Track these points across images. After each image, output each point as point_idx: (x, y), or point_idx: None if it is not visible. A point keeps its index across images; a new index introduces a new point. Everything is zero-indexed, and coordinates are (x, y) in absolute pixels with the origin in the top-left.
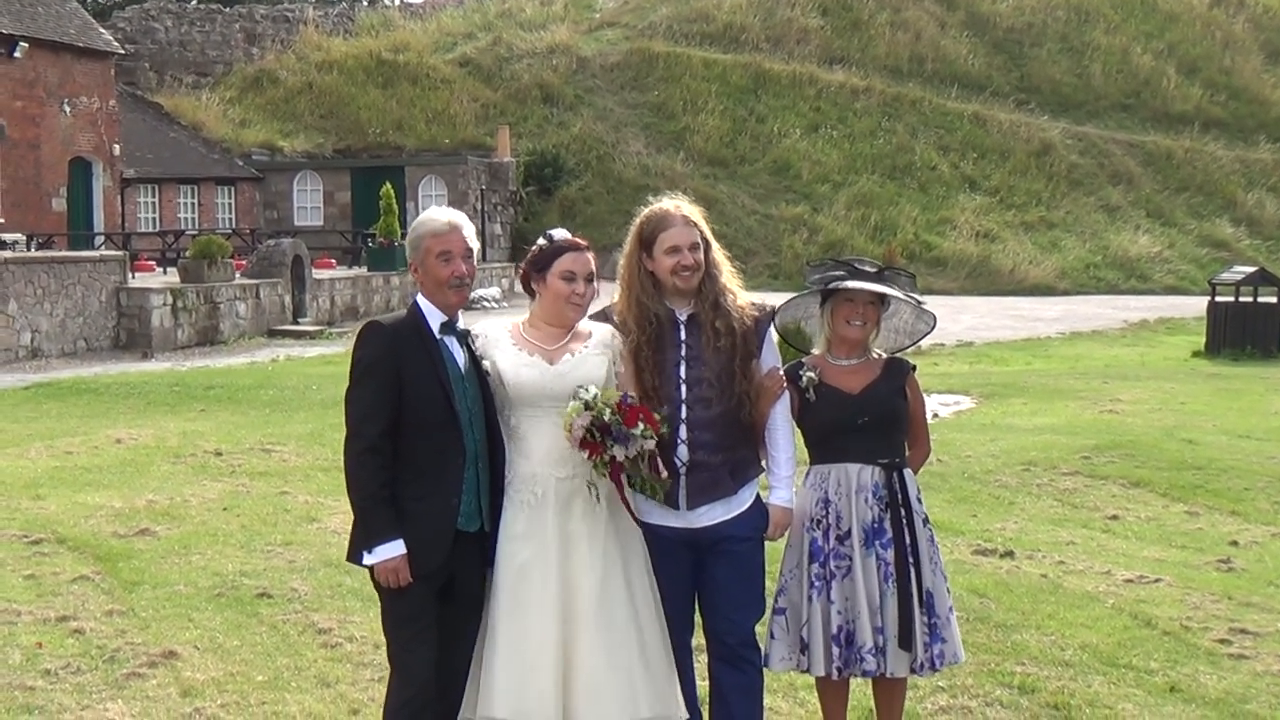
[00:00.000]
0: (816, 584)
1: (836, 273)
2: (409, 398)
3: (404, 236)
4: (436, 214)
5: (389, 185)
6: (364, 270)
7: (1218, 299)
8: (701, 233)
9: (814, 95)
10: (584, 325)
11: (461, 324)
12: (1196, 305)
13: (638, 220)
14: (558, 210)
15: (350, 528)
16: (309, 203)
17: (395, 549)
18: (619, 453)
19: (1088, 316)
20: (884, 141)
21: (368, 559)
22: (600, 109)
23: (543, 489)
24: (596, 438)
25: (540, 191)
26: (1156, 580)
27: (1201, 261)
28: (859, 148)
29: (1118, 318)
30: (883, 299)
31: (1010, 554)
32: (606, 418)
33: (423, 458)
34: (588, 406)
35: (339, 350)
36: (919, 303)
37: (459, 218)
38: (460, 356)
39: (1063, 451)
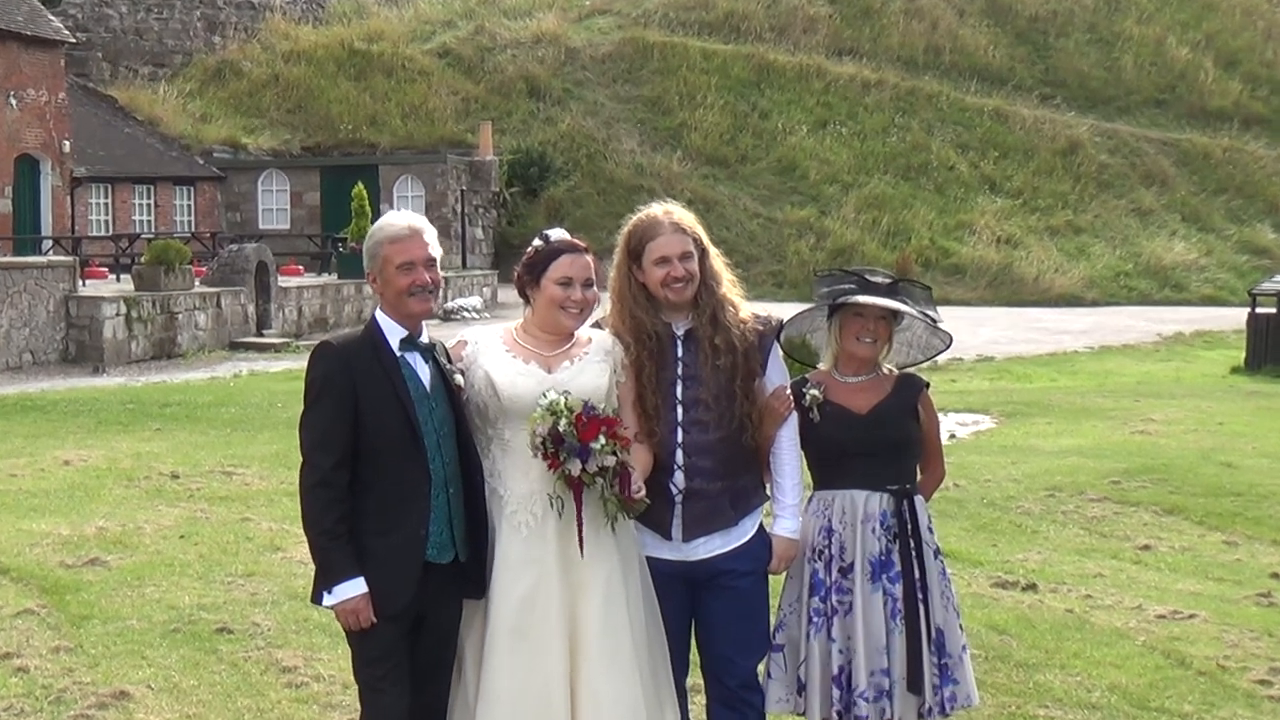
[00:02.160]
0: (816, 620)
1: (845, 285)
2: (366, 422)
3: None
4: (394, 219)
5: (361, 186)
6: (334, 278)
7: (1258, 310)
8: (696, 239)
9: (822, 89)
10: (583, 331)
11: (426, 337)
12: (1236, 317)
13: (625, 229)
14: (544, 213)
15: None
16: (275, 204)
17: (355, 588)
18: (573, 467)
19: (1118, 329)
20: (897, 139)
21: (327, 600)
22: (590, 103)
23: (541, 509)
24: (550, 449)
25: (525, 193)
26: (1191, 616)
27: (1241, 270)
28: (870, 146)
29: (1150, 330)
30: (896, 313)
31: (1033, 587)
32: (561, 427)
33: (385, 487)
34: (551, 412)
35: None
36: (933, 320)
37: (419, 221)
38: (425, 373)
39: (1090, 476)
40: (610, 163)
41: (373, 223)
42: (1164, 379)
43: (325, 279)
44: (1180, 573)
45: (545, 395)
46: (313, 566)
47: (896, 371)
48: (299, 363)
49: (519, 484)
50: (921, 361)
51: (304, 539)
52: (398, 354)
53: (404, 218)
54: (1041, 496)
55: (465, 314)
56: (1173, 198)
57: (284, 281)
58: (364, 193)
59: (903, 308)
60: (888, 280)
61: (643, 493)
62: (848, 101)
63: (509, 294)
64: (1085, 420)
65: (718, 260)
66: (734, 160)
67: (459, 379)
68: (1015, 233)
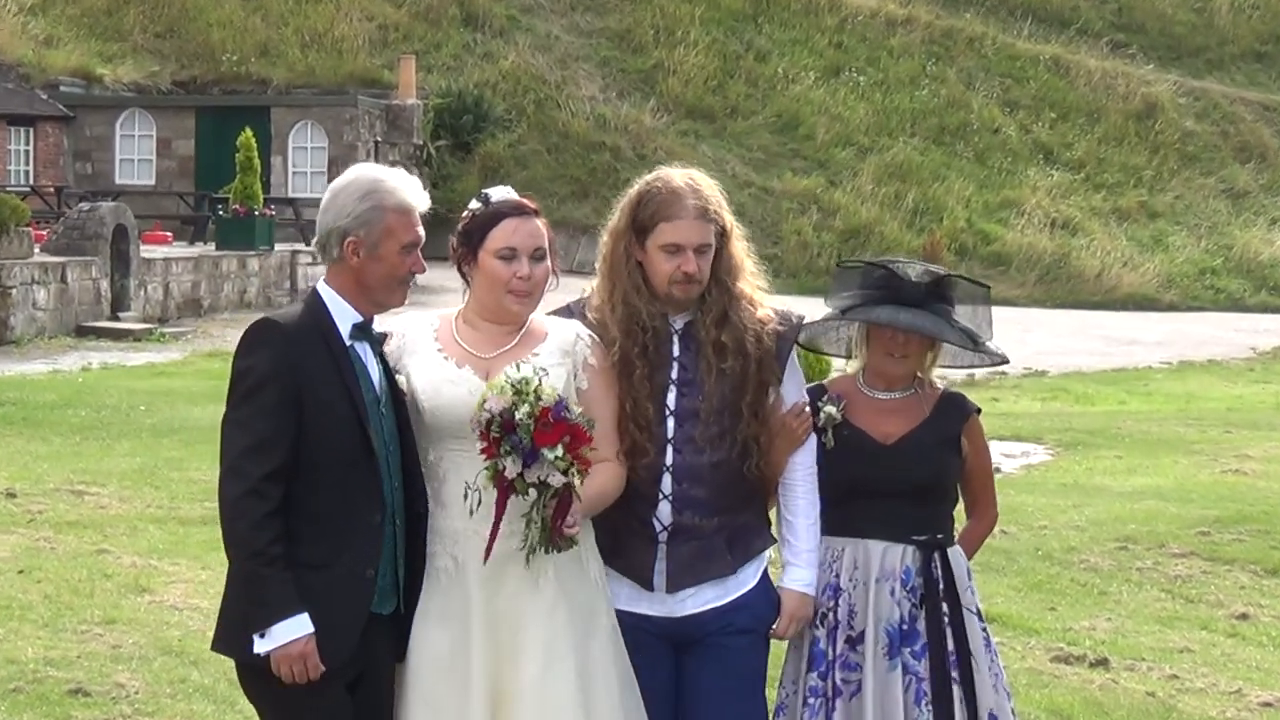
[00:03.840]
0: (812, 701)
1: (871, 290)
2: (311, 427)
3: (268, 203)
4: (403, 182)
5: (249, 132)
6: (211, 248)
7: None
8: (721, 225)
9: (834, 26)
10: (540, 322)
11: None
12: None
13: (634, 192)
14: (478, 172)
15: (222, 605)
16: (137, 153)
17: (299, 627)
18: (510, 467)
19: (1202, 340)
20: (929, 93)
21: (261, 644)
22: (541, 36)
23: (464, 553)
24: (495, 432)
25: (456, 146)
26: None
27: None
28: (894, 100)
29: (1242, 344)
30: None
31: (1104, 663)
32: (518, 414)
33: (326, 510)
34: (516, 391)
35: (175, 357)
36: (978, 342)
37: (423, 192)
38: (374, 370)
39: (1173, 524)
40: (564, 112)
41: (262, 180)
42: (1261, 406)
43: (200, 250)
44: None
45: (518, 366)
46: (189, 613)
47: (941, 388)
48: (166, 354)
49: (439, 519)
50: (977, 366)
51: (177, 578)
52: (347, 343)
53: (410, 182)
54: (1111, 549)
55: None
56: (1274, 177)
57: (147, 252)
58: (252, 141)
59: (936, 334)
60: (929, 278)
61: (576, 530)
62: (867, 43)
63: (433, 273)
64: (1164, 454)
65: (740, 246)
66: (721, 113)
67: (402, 380)
68: (1075, 215)
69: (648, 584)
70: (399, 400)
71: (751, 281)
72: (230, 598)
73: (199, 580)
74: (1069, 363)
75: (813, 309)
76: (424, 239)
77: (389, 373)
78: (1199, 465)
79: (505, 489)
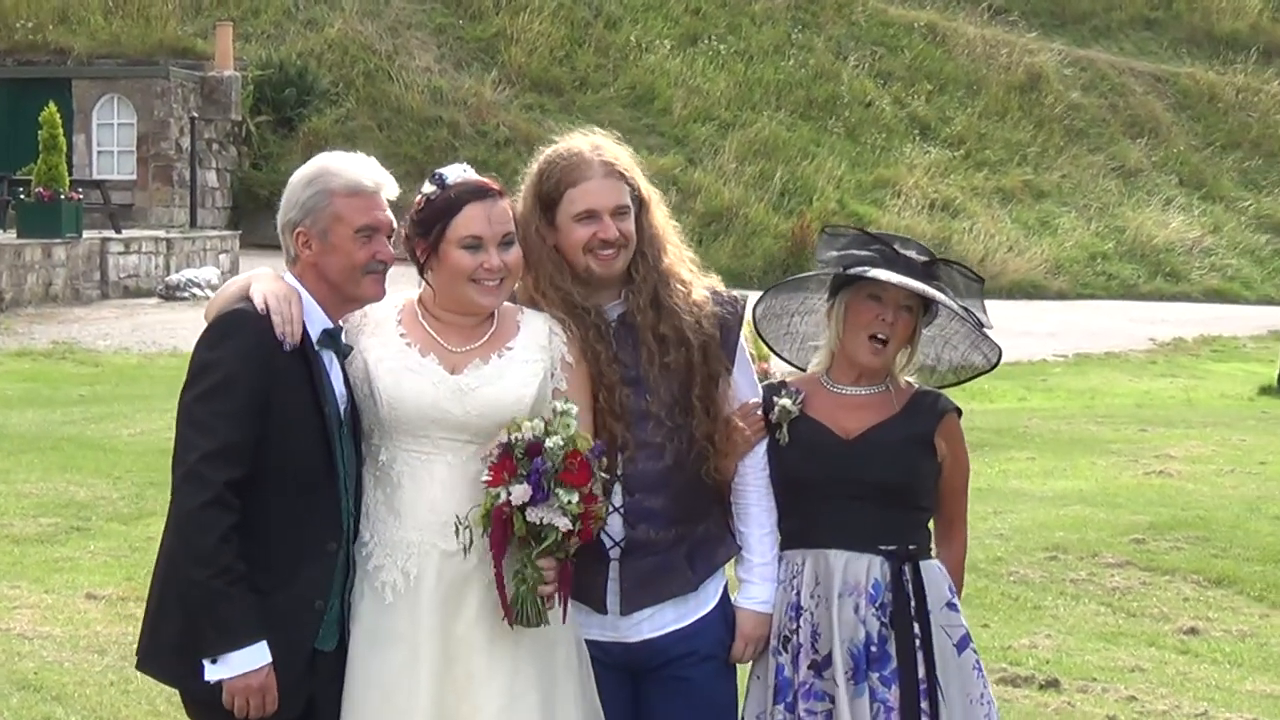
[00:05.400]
0: None
1: (865, 252)
2: (274, 437)
3: (74, 186)
4: (350, 162)
5: (54, 107)
6: (12, 236)
7: None
8: (634, 189)
9: None
10: (509, 311)
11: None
12: (1253, 318)
13: (535, 167)
14: (302, 151)
15: (154, 623)
16: None
17: (258, 656)
18: (516, 494)
19: (1096, 331)
20: (795, 63)
21: (213, 671)
22: (370, 1)
23: (418, 568)
24: (518, 456)
25: (278, 123)
26: None
27: (1260, 254)
28: (758, 71)
29: (1139, 335)
30: (925, 306)
31: (1054, 684)
32: (548, 443)
33: (279, 531)
34: (547, 424)
35: None
36: (981, 324)
37: (382, 173)
38: (338, 385)
39: (1104, 531)
40: (397, 85)
41: (67, 160)
42: (1171, 401)
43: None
44: (1245, 667)
45: (565, 400)
46: (40, 641)
47: (915, 386)
48: None
49: (391, 529)
50: (951, 384)
51: (21, 602)
52: (315, 349)
53: (365, 165)
54: (1041, 559)
55: (196, 291)
56: (1167, 154)
57: None
58: (57, 118)
59: (947, 301)
60: (925, 258)
61: (556, 602)
62: (727, 9)
63: (256, 263)
64: (1080, 455)
65: (661, 215)
66: (569, 86)
67: (358, 364)
68: (955, 196)
69: (600, 606)
70: (358, 421)
71: (679, 257)
72: (166, 616)
73: (44, 605)
74: None
75: None
76: (390, 224)
77: (350, 391)
78: (1120, 467)
79: (501, 523)
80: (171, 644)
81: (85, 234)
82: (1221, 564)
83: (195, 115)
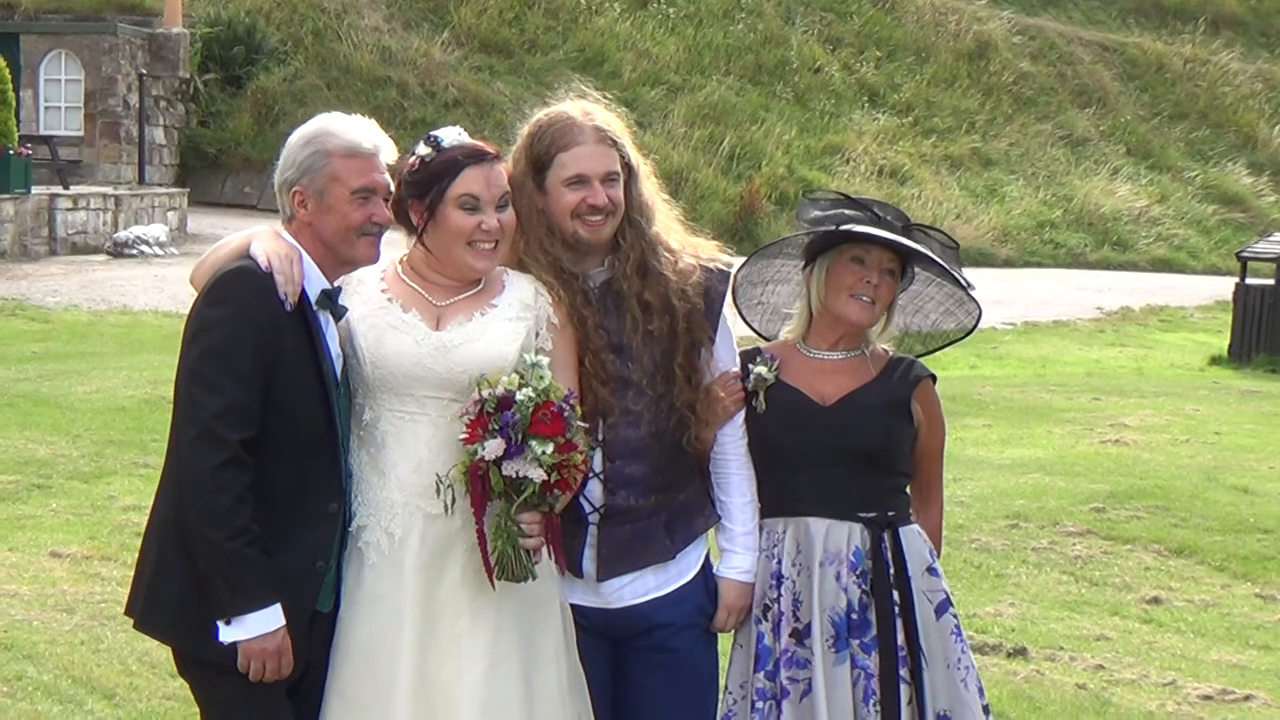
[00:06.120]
0: (759, 705)
1: (852, 212)
2: (277, 396)
3: (22, 141)
4: (346, 122)
5: (2, 61)
6: None
7: (1250, 281)
8: (624, 157)
9: None
10: (497, 272)
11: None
12: (1199, 288)
13: (526, 130)
14: (250, 109)
15: (154, 582)
16: None
17: (272, 619)
18: (490, 448)
19: (1044, 300)
20: (744, 28)
21: (229, 633)
22: None
23: (402, 529)
24: (488, 411)
25: (226, 81)
26: (1247, 697)
27: (1206, 224)
28: (707, 36)
29: (1087, 303)
30: (902, 270)
31: (1022, 652)
32: (518, 395)
33: (281, 492)
34: (519, 374)
35: None
36: (967, 284)
37: (382, 136)
38: (334, 346)
39: (1063, 499)
40: (346, 44)
41: (15, 115)
42: (1121, 370)
43: None
44: (1209, 636)
45: (535, 353)
46: (16, 599)
47: (889, 352)
48: None
49: (375, 489)
50: (920, 354)
51: None
52: (314, 310)
53: (363, 125)
54: (1002, 527)
55: (144, 249)
56: (1115, 123)
57: None
58: (6, 72)
59: (937, 259)
60: (901, 223)
61: (547, 553)
62: None
63: (203, 221)
64: (1035, 424)
65: (650, 184)
66: (519, 48)
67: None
68: (903, 162)
69: (577, 571)
70: (350, 378)
71: (666, 226)
72: (168, 577)
73: (9, 564)
74: None
75: None
76: (387, 187)
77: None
78: (1075, 435)
79: (479, 479)
80: (175, 605)
81: (33, 190)
82: (1181, 534)
83: (143, 72)
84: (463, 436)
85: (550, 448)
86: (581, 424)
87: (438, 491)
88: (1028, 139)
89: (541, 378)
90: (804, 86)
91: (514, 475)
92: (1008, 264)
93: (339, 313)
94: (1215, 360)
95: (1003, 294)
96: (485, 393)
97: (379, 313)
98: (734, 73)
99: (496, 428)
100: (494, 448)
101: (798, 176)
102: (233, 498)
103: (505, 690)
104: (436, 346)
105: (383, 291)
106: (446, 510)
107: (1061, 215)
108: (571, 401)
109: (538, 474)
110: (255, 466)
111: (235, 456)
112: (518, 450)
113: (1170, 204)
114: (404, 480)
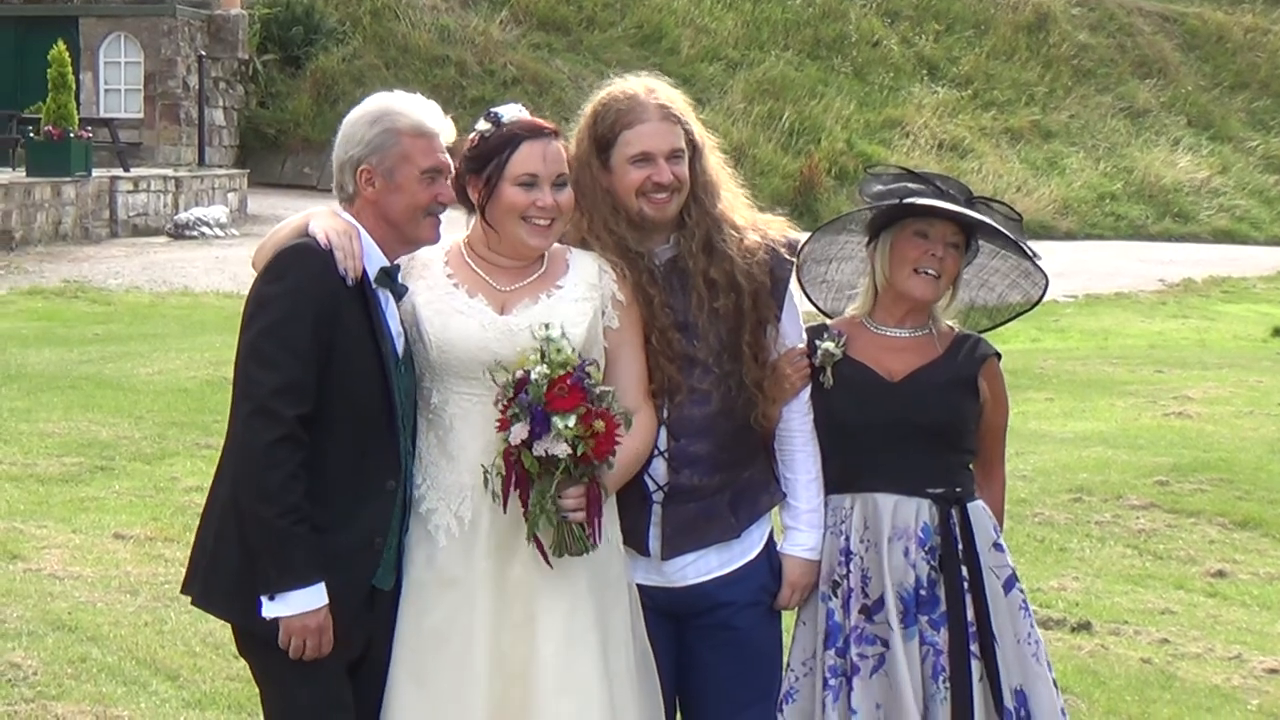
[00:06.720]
0: (831, 682)
1: (916, 185)
2: (335, 373)
3: (83, 125)
4: (416, 103)
5: (62, 45)
6: (21, 174)
7: None
8: (688, 133)
9: None
10: (559, 250)
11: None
12: (1262, 259)
13: (589, 109)
14: (310, 90)
15: (210, 559)
16: None
17: (315, 598)
18: (515, 435)
19: (1106, 273)
20: (802, 2)
21: (271, 608)
22: None
23: (472, 513)
24: (509, 396)
25: (285, 61)
26: None
27: (1268, 195)
28: (765, 10)
29: (1149, 275)
30: (967, 244)
31: (1086, 627)
32: (533, 374)
33: (339, 469)
34: (537, 350)
35: None
36: (1033, 253)
37: (443, 117)
38: (394, 324)
39: (1127, 473)
40: (404, 24)
41: (76, 98)
42: (1185, 342)
43: (9, 176)
44: (1275, 609)
45: (546, 326)
46: (70, 582)
47: (955, 329)
48: None
49: (444, 473)
50: (986, 328)
51: (50, 543)
52: (374, 288)
53: (426, 105)
54: (1065, 501)
55: (204, 230)
56: (1176, 94)
57: None
58: (66, 56)
59: (1001, 229)
60: (964, 196)
61: (590, 528)
62: None
63: (263, 202)
64: (1098, 396)
65: (715, 160)
66: (577, 25)
67: (406, 306)
68: (963, 136)
69: (642, 549)
70: (412, 357)
71: (732, 203)
72: (225, 553)
73: (73, 545)
74: None
75: None
76: (450, 167)
77: (405, 330)
78: (1138, 408)
79: (513, 465)
80: (232, 580)
81: (94, 172)
82: (1246, 506)
83: (202, 54)
84: (496, 424)
85: (572, 420)
86: (603, 388)
87: (486, 482)
88: (1088, 111)
89: (559, 350)
90: (862, 60)
91: (544, 454)
92: (1069, 236)
93: (399, 291)
94: (1278, 332)
95: (1064, 266)
96: (502, 379)
97: (445, 297)
98: (792, 47)
99: (518, 412)
100: (519, 431)
101: (857, 151)
102: (285, 474)
103: (584, 668)
104: (503, 330)
105: (448, 276)
106: (494, 498)
107: (1122, 187)
108: (588, 369)
109: (563, 450)
110: (312, 442)
111: (290, 433)
112: (544, 430)
113: (1231, 175)
114: (472, 463)
